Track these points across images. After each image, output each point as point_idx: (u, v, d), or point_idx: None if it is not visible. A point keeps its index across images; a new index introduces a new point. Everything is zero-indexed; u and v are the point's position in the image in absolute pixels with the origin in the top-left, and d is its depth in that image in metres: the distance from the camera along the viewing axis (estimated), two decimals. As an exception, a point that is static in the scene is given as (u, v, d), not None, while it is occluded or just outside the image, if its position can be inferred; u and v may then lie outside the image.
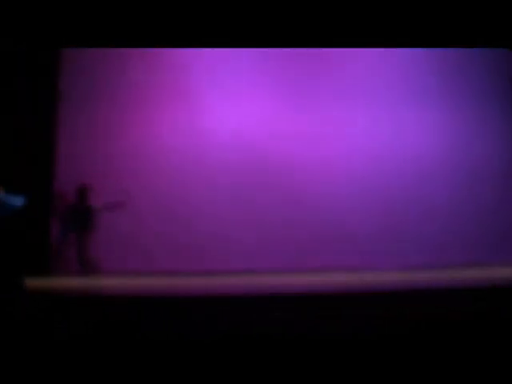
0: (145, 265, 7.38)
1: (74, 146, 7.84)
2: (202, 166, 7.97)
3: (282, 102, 8.25)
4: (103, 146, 7.92)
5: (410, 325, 3.36)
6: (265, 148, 8.11)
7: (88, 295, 4.18)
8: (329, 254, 7.75)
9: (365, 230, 8.03)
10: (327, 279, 5.81)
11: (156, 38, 5.72)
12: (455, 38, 5.64)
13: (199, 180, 7.96)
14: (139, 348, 3.17)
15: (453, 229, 8.23)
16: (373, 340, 3.25)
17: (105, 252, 7.28)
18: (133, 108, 8.03)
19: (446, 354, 3.12)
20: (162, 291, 4.60)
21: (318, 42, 5.97)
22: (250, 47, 7.15)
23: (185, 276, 6.58)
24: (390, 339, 3.25)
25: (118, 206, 7.09)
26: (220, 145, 8.02)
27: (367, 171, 8.15)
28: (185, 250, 7.63)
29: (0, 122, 7.25)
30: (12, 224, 5.77)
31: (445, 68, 8.57)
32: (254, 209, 7.96)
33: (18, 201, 6.53)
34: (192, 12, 5.60)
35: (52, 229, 7.31)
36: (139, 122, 8.06)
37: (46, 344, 3.16)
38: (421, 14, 5.48)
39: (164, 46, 6.59)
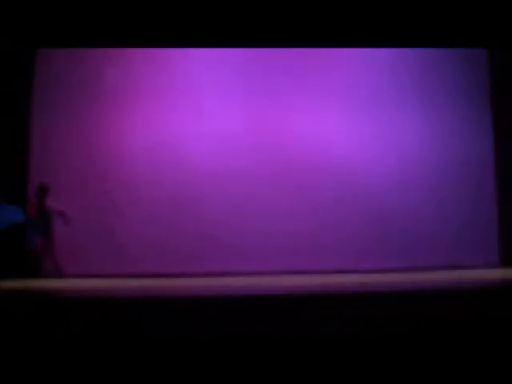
0: (121, 266, 7.34)
1: (49, 148, 7.84)
2: (182, 167, 8.00)
3: (266, 102, 8.29)
4: (78, 146, 7.94)
5: (395, 326, 3.34)
6: (246, 148, 8.10)
7: (66, 297, 4.13)
8: (311, 256, 7.76)
9: (346, 232, 8.05)
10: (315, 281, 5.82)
11: (135, 37, 5.65)
12: (432, 38, 5.67)
13: (179, 181, 7.95)
14: (136, 349, 3.15)
15: (433, 229, 8.30)
16: (368, 340, 3.25)
17: (85, 253, 7.23)
18: (108, 108, 8.08)
19: (435, 356, 3.14)
20: (147, 293, 4.54)
21: (296, 42, 5.95)
22: (233, 47, 7.09)
23: (158, 277, 6.60)
24: (377, 340, 3.26)
25: (65, 218, 6.98)
26: (200, 145, 8.08)
27: (346, 172, 8.16)
28: (159, 251, 7.69)
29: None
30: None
31: (421, 67, 8.60)
32: (241, 210, 7.93)
33: (17, 215, 6.52)
34: (175, 11, 5.55)
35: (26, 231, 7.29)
36: (114, 121, 8.08)
37: (20, 345, 3.13)
38: (398, 14, 5.49)
39: (145, 46, 6.54)
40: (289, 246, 7.85)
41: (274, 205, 8.01)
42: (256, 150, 8.10)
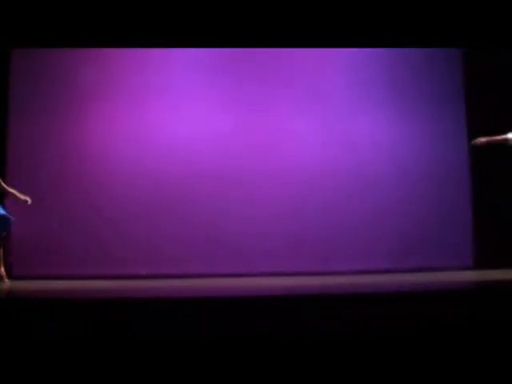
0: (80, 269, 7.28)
1: (25, 148, 7.70)
2: (165, 167, 7.87)
3: (253, 104, 8.22)
4: (55, 146, 7.78)
5: (394, 326, 3.29)
6: (236, 149, 8.00)
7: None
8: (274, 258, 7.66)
9: (313, 234, 7.98)
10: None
11: (113, 37, 5.53)
12: (408, 37, 5.68)
13: (162, 181, 7.83)
14: (134, 350, 3.06)
15: (406, 231, 8.30)
16: (366, 340, 3.21)
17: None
18: (86, 108, 7.92)
19: (421, 357, 3.11)
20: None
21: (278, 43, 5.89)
22: (216, 47, 7.03)
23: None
24: (375, 340, 3.22)
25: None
26: (183, 146, 7.97)
27: (316, 173, 8.10)
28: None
29: None
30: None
31: (395, 67, 8.63)
32: (232, 211, 7.79)
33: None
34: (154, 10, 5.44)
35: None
36: (93, 121, 7.93)
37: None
38: (374, 14, 5.48)
39: (124, 46, 6.44)
40: (286, 247, 7.72)
41: (266, 206, 7.93)
42: (243, 152, 7.99)
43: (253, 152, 8.01)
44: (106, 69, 8.05)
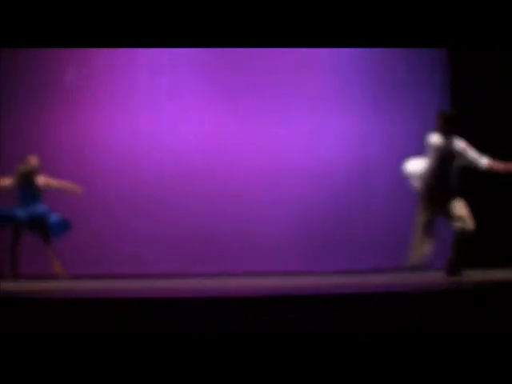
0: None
1: (11, 148, 7.60)
2: (152, 167, 7.82)
3: (237, 103, 8.11)
4: (41, 147, 7.62)
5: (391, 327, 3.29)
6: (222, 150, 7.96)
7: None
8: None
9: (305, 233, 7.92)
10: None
11: (98, 37, 5.52)
12: (391, 37, 5.63)
13: (148, 182, 7.77)
14: (133, 351, 3.05)
15: (388, 231, 8.16)
16: (368, 340, 3.19)
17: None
18: (68, 108, 7.89)
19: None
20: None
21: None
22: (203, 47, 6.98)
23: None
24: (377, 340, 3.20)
25: None
26: (171, 146, 7.91)
27: (307, 173, 7.97)
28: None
29: None
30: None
31: (381, 67, 8.53)
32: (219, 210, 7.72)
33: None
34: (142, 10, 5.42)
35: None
36: (78, 122, 7.89)
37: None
38: (358, 14, 5.43)
39: (109, 46, 6.41)
40: (279, 246, 7.65)
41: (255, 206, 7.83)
42: (233, 152, 7.90)
43: (242, 153, 7.91)
44: (95, 68, 7.97)
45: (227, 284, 5.55)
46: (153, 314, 3.27)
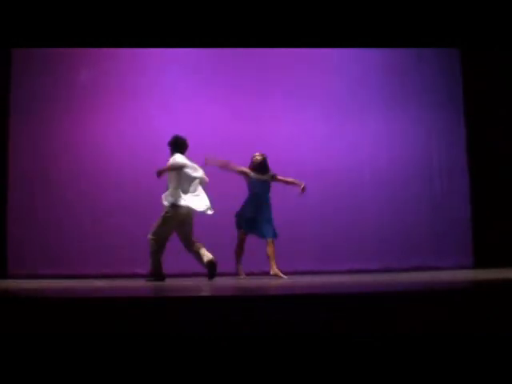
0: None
1: (25, 149, 7.77)
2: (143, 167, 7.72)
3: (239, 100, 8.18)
4: (54, 146, 7.83)
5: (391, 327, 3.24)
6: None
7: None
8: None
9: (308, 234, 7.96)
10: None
11: (107, 37, 5.53)
12: (404, 37, 5.63)
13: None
14: (132, 351, 3.03)
15: (406, 231, 8.22)
16: (368, 341, 3.16)
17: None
18: (79, 109, 7.93)
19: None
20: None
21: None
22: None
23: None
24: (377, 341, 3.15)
25: None
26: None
27: (311, 175, 7.95)
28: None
29: None
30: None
31: (394, 67, 8.56)
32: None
33: None
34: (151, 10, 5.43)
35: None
36: (90, 121, 7.94)
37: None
38: (369, 14, 5.43)
39: (117, 46, 6.46)
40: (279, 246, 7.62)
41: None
42: (233, 151, 7.89)
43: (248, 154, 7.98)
44: (104, 69, 8.05)
45: (227, 284, 5.55)
46: (153, 314, 3.22)
